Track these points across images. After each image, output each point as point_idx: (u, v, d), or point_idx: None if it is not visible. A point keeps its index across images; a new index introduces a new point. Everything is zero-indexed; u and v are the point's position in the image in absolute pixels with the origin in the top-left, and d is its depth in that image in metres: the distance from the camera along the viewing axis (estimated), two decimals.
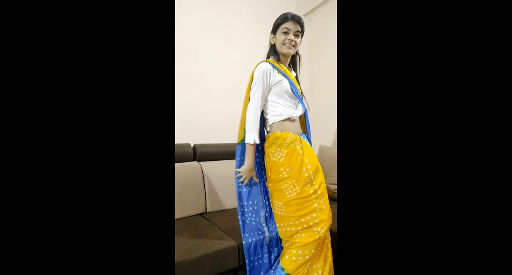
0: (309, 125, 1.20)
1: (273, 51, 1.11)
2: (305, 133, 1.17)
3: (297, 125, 1.12)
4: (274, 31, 1.09)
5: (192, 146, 1.75)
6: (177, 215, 1.45)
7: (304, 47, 2.43)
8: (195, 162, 1.70)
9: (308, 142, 1.13)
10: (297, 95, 1.09)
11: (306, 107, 1.16)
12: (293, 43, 1.05)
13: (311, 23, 2.38)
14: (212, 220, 1.44)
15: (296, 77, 1.16)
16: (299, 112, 1.11)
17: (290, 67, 1.18)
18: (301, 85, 1.16)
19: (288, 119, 1.07)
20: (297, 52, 1.15)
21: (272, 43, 1.11)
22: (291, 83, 1.06)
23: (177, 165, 1.58)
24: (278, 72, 1.05)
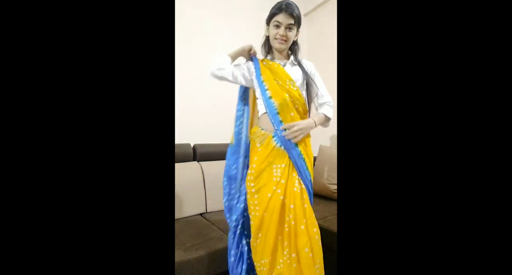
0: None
1: (266, 44, 1.06)
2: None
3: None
4: (268, 21, 1.02)
5: (192, 146, 1.75)
6: (177, 215, 1.46)
7: (304, 46, 2.42)
8: (195, 162, 1.70)
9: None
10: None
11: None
12: (284, 38, 0.99)
13: (311, 23, 2.38)
14: (212, 220, 1.44)
15: (299, 63, 1.07)
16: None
17: (291, 55, 1.10)
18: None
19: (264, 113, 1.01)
20: (295, 42, 1.07)
21: (267, 34, 1.05)
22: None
23: (177, 165, 1.58)
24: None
